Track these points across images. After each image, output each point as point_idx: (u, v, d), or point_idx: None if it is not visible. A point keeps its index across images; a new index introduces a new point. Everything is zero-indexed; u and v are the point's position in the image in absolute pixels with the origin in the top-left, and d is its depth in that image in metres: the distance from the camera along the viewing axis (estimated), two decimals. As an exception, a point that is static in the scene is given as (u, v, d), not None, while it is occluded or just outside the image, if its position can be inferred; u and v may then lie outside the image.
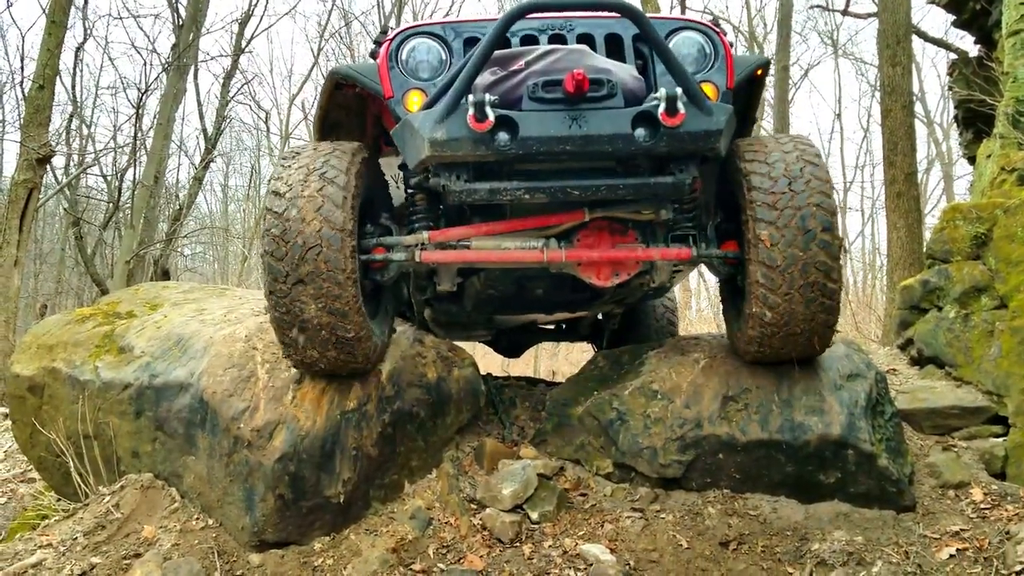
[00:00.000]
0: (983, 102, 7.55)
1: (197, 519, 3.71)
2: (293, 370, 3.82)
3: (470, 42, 3.48)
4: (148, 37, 36.59)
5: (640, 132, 3.11)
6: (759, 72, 3.90)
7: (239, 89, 19.52)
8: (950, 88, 9.01)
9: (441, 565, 3.52)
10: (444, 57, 3.49)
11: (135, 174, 16.24)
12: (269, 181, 3.50)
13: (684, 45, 3.58)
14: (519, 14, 3.13)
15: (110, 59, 19.97)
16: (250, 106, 29.96)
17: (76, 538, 3.67)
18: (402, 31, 3.55)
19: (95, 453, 4.14)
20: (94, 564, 3.39)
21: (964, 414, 4.60)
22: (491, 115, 3.01)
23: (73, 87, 16.54)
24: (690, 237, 3.75)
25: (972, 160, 8.49)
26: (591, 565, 3.49)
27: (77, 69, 16.52)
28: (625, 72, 3.29)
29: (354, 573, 3.44)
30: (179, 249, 21.47)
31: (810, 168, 3.49)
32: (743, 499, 3.87)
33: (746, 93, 3.96)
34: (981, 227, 5.05)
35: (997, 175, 6.00)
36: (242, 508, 3.59)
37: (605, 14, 3.54)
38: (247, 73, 28.88)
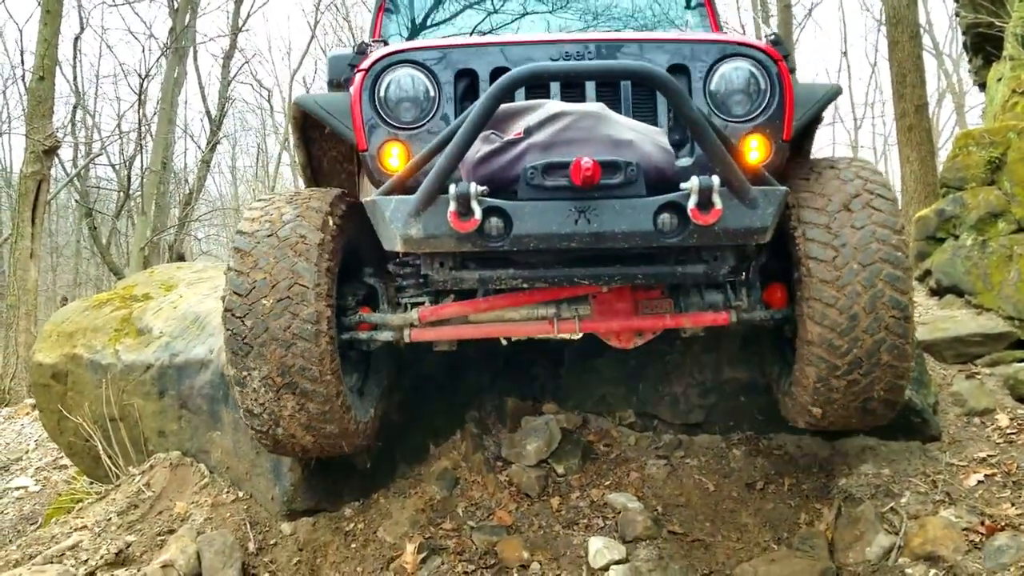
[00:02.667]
0: (991, 24, 7.40)
1: (227, 492, 3.76)
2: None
3: (463, 75, 2.83)
4: (144, 22, 36.37)
5: (664, 225, 2.48)
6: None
7: (240, 68, 19.48)
8: (957, 14, 8.82)
9: (471, 523, 3.55)
10: (432, 93, 2.82)
11: (142, 161, 16.29)
12: (231, 243, 2.97)
13: (731, 80, 2.84)
14: (516, 83, 2.43)
15: (108, 47, 19.93)
16: (252, 85, 29.89)
17: (110, 519, 3.72)
18: (381, 58, 2.84)
19: (122, 435, 4.19)
20: (129, 542, 3.44)
21: (986, 341, 4.57)
22: (477, 212, 2.42)
23: (74, 78, 16.56)
24: (728, 286, 3.13)
25: (983, 87, 8.34)
26: (619, 513, 3.51)
27: (77, 60, 16.52)
28: (650, 142, 2.58)
29: (385, 535, 3.48)
30: (192, 233, 21.55)
31: (877, 215, 2.82)
32: (767, 439, 3.88)
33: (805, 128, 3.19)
34: (995, 151, 4.98)
35: (1009, 98, 5.90)
36: (271, 479, 3.62)
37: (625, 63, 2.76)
38: (246, 52, 28.78)
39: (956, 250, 5.14)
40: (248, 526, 3.58)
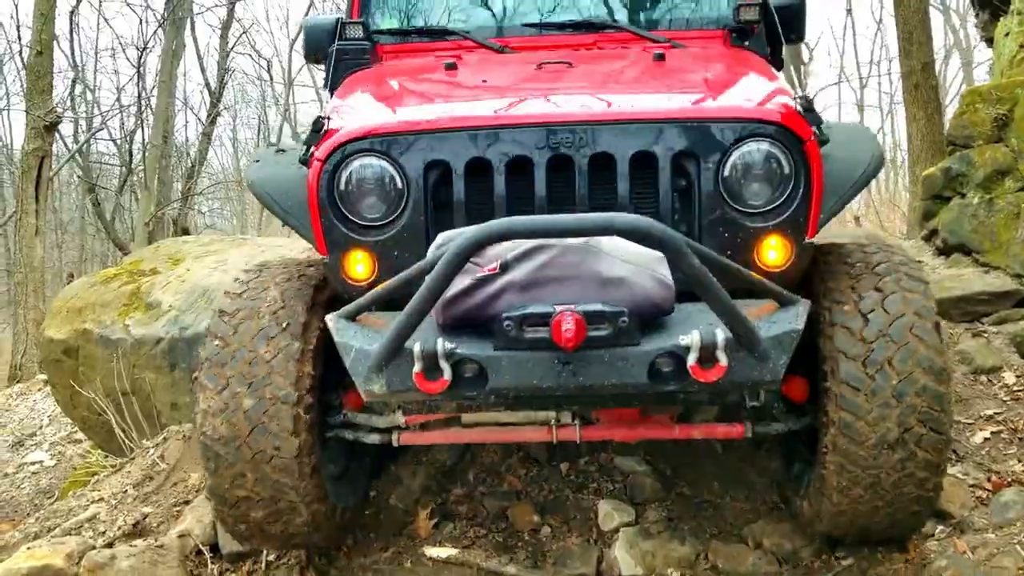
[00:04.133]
0: (998, -22, 7.30)
1: (241, 463, 3.81)
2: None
3: (432, 167, 2.44)
4: (141, -5, 36.04)
5: (661, 376, 2.20)
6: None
7: (238, 39, 19.33)
8: (964, -32, 8.71)
9: (482, 488, 3.59)
10: (400, 185, 2.45)
11: (143, 135, 16.27)
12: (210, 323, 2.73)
13: (748, 166, 2.41)
14: (480, 242, 2.06)
15: (105, 20, 19.70)
16: (251, 56, 29.67)
17: (126, 491, 3.78)
18: (339, 144, 2.45)
19: (135, 408, 4.25)
20: (146, 514, 3.49)
21: (993, 299, 4.57)
22: (447, 372, 2.14)
23: (72, 52, 16.52)
24: None
25: (990, 42, 8.24)
26: (628, 476, 3.55)
27: (74, 34, 16.41)
28: (647, 275, 2.21)
29: (398, 501, 3.52)
30: (196, 207, 21.56)
31: (918, 324, 2.42)
32: (775, 401, 3.90)
33: None
34: (1002, 108, 4.94)
35: (1016, 53, 5.84)
36: (283, 449, 3.67)
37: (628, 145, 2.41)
38: (244, 22, 28.57)
39: (963, 208, 5.12)
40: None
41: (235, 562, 3.30)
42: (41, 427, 6.69)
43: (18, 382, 9.91)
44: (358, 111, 2.68)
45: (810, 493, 2.75)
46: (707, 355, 2.12)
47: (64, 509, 3.77)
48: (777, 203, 2.41)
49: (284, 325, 2.58)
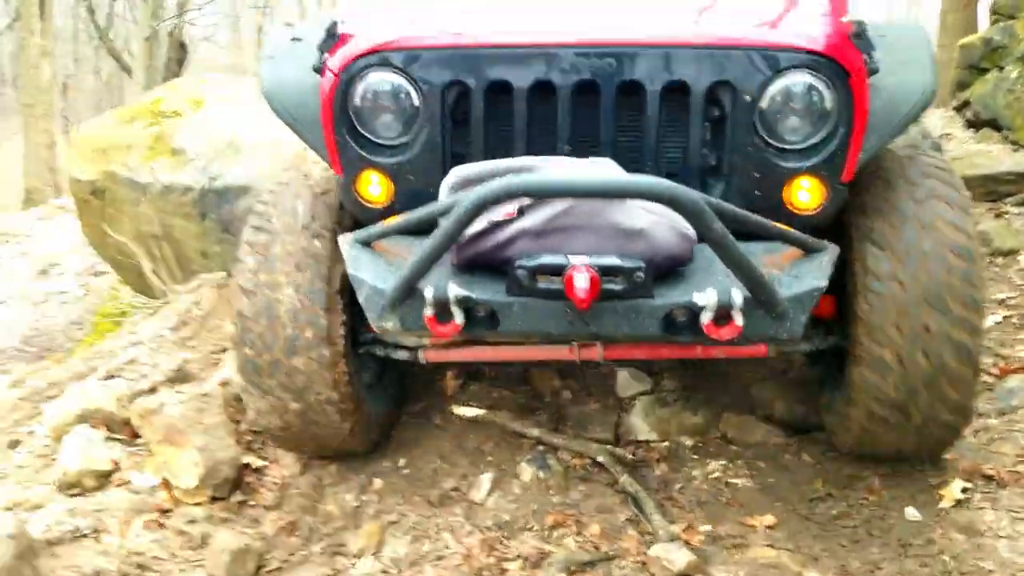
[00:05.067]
0: None
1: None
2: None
3: (451, 87, 2.34)
4: None
5: (674, 328, 2.17)
6: None
7: None
8: None
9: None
10: (417, 103, 2.35)
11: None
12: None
13: (788, 99, 2.25)
14: (497, 199, 2.01)
15: None
16: None
17: (163, 335, 3.92)
18: (354, 57, 2.33)
19: (166, 252, 4.34)
20: (186, 359, 3.65)
21: (1019, 179, 4.57)
22: (459, 317, 2.14)
23: None
24: None
25: None
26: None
27: None
28: (667, 226, 2.13)
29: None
30: (190, 21, 20.84)
31: (953, 242, 2.32)
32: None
33: None
34: (1056, -22, 4.74)
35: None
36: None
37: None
38: None
39: (999, 82, 5.02)
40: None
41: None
42: (64, 256, 6.82)
43: (33, 206, 9.99)
44: (374, 17, 2.53)
45: (839, 411, 2.74)
46: (722, 314, 2.07)
47: (105, 350, 3.93)
48: (815, 141, 2.27)
49: (314, 238, 2.58)
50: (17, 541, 2.48)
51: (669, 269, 2.19)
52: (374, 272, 2.27)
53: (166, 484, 3.03)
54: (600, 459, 2.98)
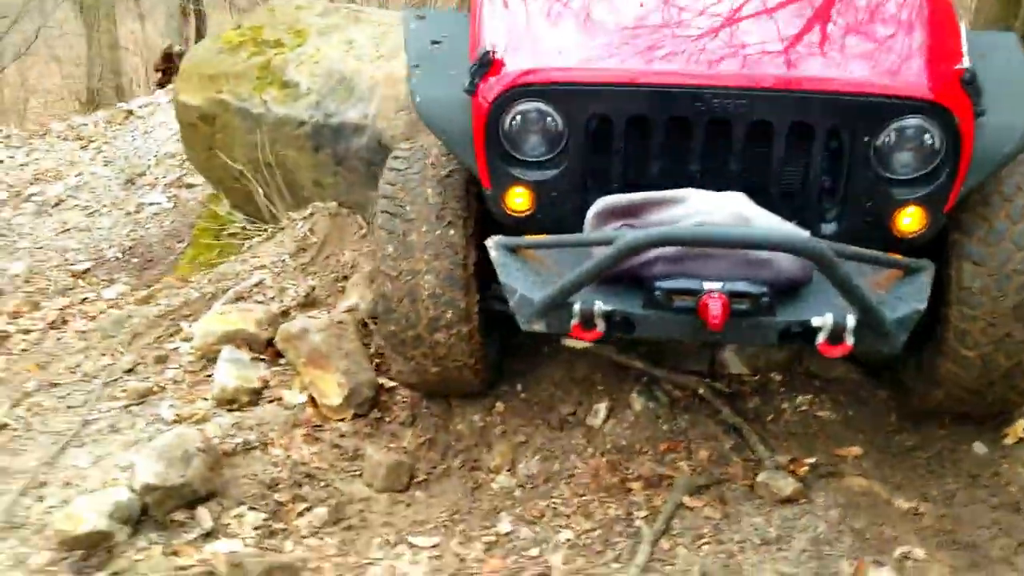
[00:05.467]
0: None
1: (385, 243, 4.25)
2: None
3: (594, 117, 2.57)
4: None
5: (790, 339, 2.43)
6: None
7: None
8: None
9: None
10: (561, 128, 2.58)
11: None
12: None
13: (902, 138, 2.49)
14: (644, 245, 2.29)
15: None
16: None
17: (284, 260, 4.26)
18: (507, 87, 2.54)
19: (277, 180, 4.61)
20: (312, 286, 3.99)
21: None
22: (601, 326, 2.42)
23: None
24: None
25: None
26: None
27: None
28: (789, 257, 2.37)
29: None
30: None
31: None
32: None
33: None
34: None
35: None
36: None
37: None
38: None
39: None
40: (408, 275, 4.12)
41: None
42: (149, 167, 7.10)
43: (97, 108, 10.20)
44: (522, 43, 2.71)
45: (919, 387, 3.03)
46: (836, 336, 2.34)
47: (231, 272, 4.27)
48: (923, 174, 2.50)
49: (449, 235, 2.84)
50: (208, 454, 2.87)
51: (786, 296, 2.45)
52: (524, 282, 2.53)
53: (312, 401, 3.42)
54: (700, 391, 3.33)
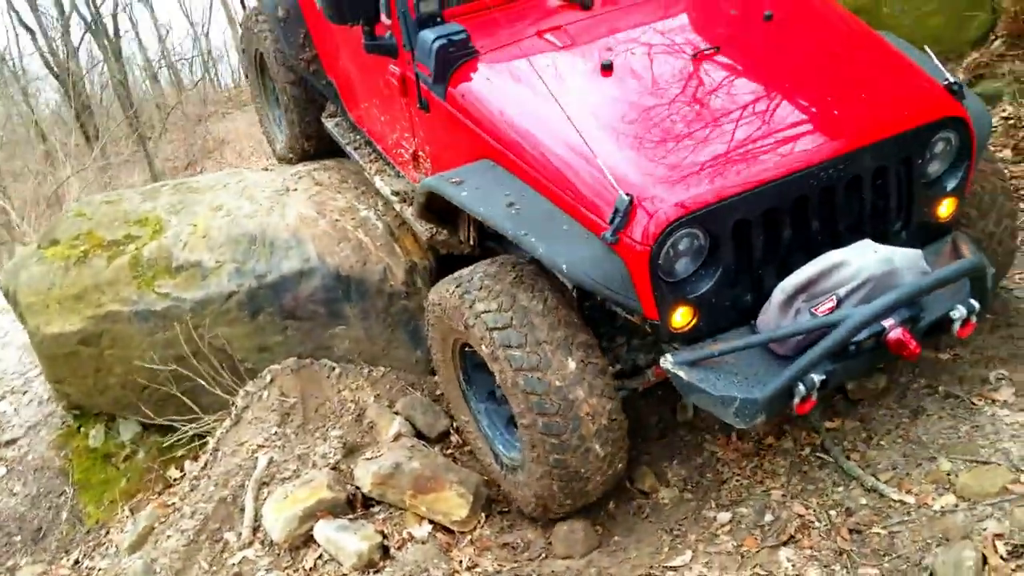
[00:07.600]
0: None
1: (369, 373, 4.24)
2: (379, 225, 4.27)
3: (737, 224, 2.77)
4: None
5: (928, 333, 2.89)
6: None
7: None
8: None
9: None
10: (703, 243, 2.78)
11: None
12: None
13: (940, 154, 3.08)
14: (877, 318, 2.67)
15: None
16: None
17: (275, 432, 4.04)
18: (666, 226, 2.66)
19: (212, 364, 4.32)
20: (339, 437, 3.87)
21: None
22: (815, 395, 2.69)
23: None
24: None
25: None
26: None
27: None
28: (918, 273, 2.85)
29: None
30: None
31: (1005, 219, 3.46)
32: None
33: None
34: None
35: None
36: (409, 347, 4.21)
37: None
38: None
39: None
40: (408, 388, 4.17)
41: (442, 440, 3.95)
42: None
43: None
44: (636, 180, 2.79)
45: None
46: (966, 320, 2.83)
47: (233, 466, 3.95)
48: (952, 177, 3.10)
49: (566, 325, 2.99)
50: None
51: None
52: (736, 388, 2.71)
53: (437, 526, 3.41)
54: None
